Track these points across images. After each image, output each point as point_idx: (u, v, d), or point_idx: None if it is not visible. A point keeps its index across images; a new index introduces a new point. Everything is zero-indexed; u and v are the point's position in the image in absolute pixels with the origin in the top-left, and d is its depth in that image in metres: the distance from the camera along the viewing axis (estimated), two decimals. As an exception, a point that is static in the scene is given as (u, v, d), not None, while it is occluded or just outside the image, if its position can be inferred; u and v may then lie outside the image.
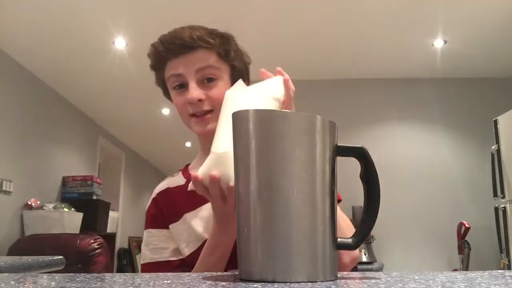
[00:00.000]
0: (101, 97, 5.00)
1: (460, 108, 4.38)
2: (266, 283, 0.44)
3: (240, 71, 1.00)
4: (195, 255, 0.92)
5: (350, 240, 0.51)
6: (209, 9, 3.16)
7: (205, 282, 0.46)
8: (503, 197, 3.41)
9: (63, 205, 4.20)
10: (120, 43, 3.68)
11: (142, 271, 0.97)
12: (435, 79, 4.44)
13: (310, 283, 0.45)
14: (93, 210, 4.69)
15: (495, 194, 3.51)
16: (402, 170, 4.18)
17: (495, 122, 3.59)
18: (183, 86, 0.95)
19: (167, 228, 0.98)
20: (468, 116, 4.34)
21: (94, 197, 4.81)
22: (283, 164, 0.47)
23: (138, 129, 6.37)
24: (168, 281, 0.48)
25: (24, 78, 4.08)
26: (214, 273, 0.59)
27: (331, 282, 0.46)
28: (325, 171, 0.49)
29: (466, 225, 3.71)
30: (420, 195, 4.13)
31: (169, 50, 0.94)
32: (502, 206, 3.42)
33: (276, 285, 0.44)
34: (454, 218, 3.89)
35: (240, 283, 0.45)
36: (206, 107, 0.93)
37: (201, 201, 0.94)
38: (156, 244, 0.98)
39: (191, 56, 0.94)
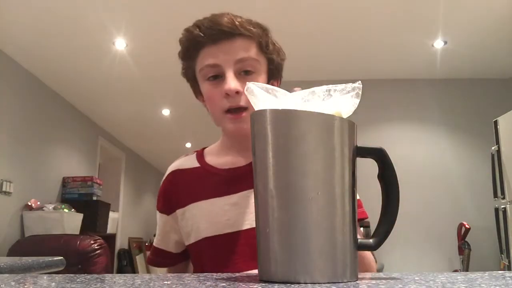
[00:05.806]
0: (101, 98, 5.00)
1: (460, 108, 4.37)
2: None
3: (277, 67, 0.94)
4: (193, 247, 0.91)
5: (371, 241, 0.51)
6: (210, 10, 3.15)
7: (205, 283, 0.46)
8: (503, 198, 3.41)
9: (63, 206, 4.20)
10: (120, 43, 3.68)
11: (151, 250, 1.03)
12: (435, 80, 4.43)
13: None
14: (93, 211, 4.68)
15: (495, 195, 3.51)
16: (402, 170, 4.07)
17: (495, 122, 3.59)
18: (217, 77, 0.87)
19: (174, 212, 0.95)
20: (468, 116, 4.34)
21: (94, 198, 4.80)
22: (306, 165, 0.46)
23: (138, 129, 6.36)
24: (168, 282, 0.48)
25: (24, 79, 4.08)
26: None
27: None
28: (346, 172, 0.48)
29: (466, 225, 3.71)
30: (420, 195, 4.13)
31: (207, 36, 0.86)
32: (502, 207, 3.42)
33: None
34: (454, 218, 3.89)
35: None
36: (242, 102, 0.85)
37: (214, 193, 0.90)
38: (163, 231, 0.99)
39: (231, 44, 0.86)
